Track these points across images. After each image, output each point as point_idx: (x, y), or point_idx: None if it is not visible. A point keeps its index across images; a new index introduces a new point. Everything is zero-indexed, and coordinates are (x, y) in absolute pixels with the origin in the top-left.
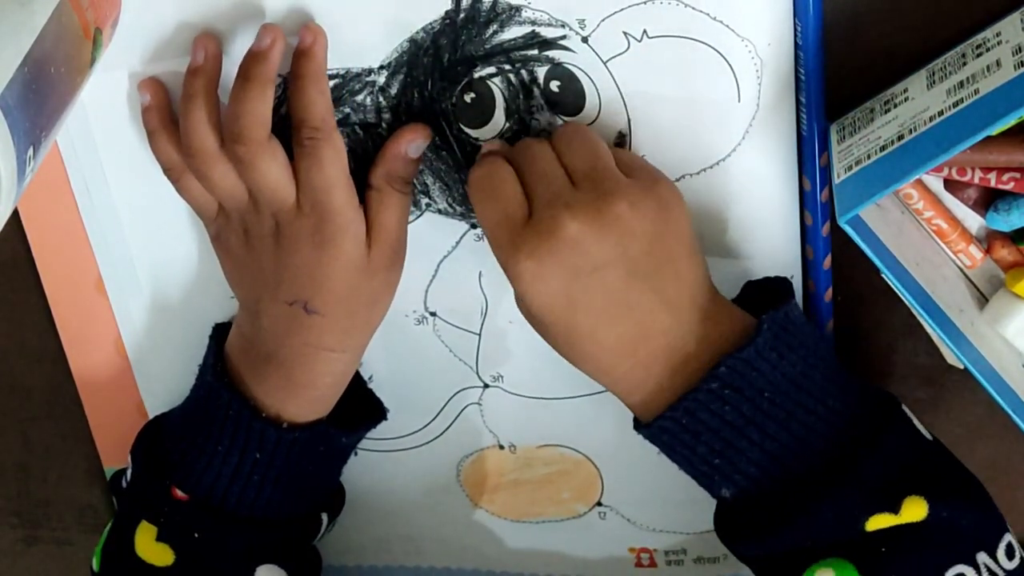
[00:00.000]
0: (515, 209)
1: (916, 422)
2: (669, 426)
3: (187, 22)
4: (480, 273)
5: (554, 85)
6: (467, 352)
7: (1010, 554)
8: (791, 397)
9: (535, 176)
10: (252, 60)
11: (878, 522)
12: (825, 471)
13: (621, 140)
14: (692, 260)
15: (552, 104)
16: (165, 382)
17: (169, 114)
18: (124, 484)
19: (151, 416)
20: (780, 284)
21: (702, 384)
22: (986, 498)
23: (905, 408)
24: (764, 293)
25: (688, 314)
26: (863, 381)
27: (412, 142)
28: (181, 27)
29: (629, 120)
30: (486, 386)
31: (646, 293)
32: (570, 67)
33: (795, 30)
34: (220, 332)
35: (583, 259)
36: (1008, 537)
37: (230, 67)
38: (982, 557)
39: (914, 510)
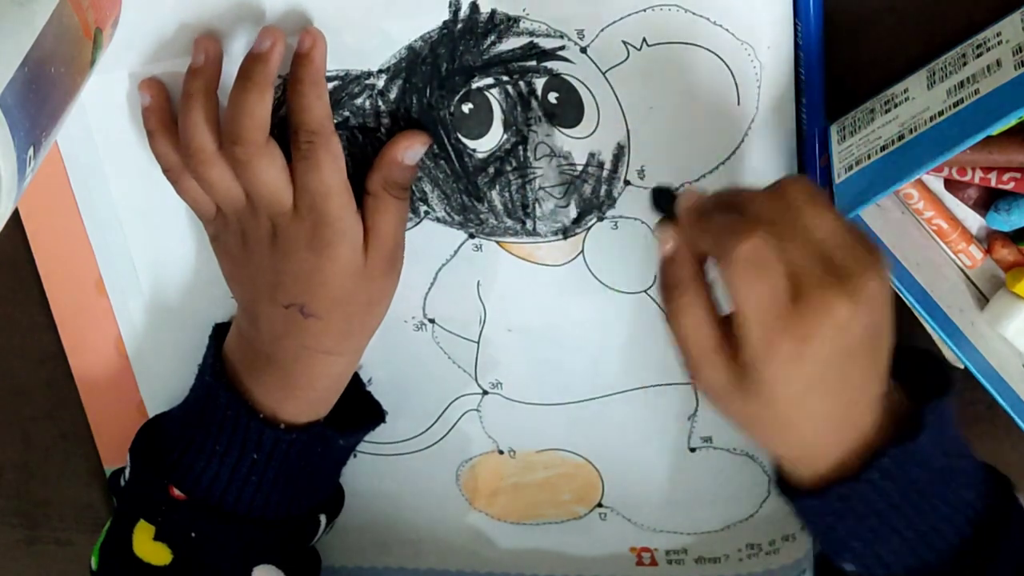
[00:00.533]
0: (783, 289)
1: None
2: (816, 506)
3: (187, 22)
4: (478, 282)
5: (552, 96)
6: (466, 359)
7: None
8: (936, 489)
9: (806, 250)
10: (252, 62)
11: None
12: (953, 563)
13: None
14: (885, 351)
15: (550, 115)
16: (165, 382)
17: (169, 115)
18: (122, 483)
19: (151, 416)
20: (937, 368)
21: (863, 473)
22: None
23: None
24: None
25: (878, 388)
26: (981, 463)
27: (409, 149)
28: (181, 27)
29: (628, 131)
30: (485, 393)
31: (865, 374)
32: (568, 78)
33: (795, 30)
34: (220, 332)
35: (846, 341)
36: None
37: (230, 68)
38: None
39: None
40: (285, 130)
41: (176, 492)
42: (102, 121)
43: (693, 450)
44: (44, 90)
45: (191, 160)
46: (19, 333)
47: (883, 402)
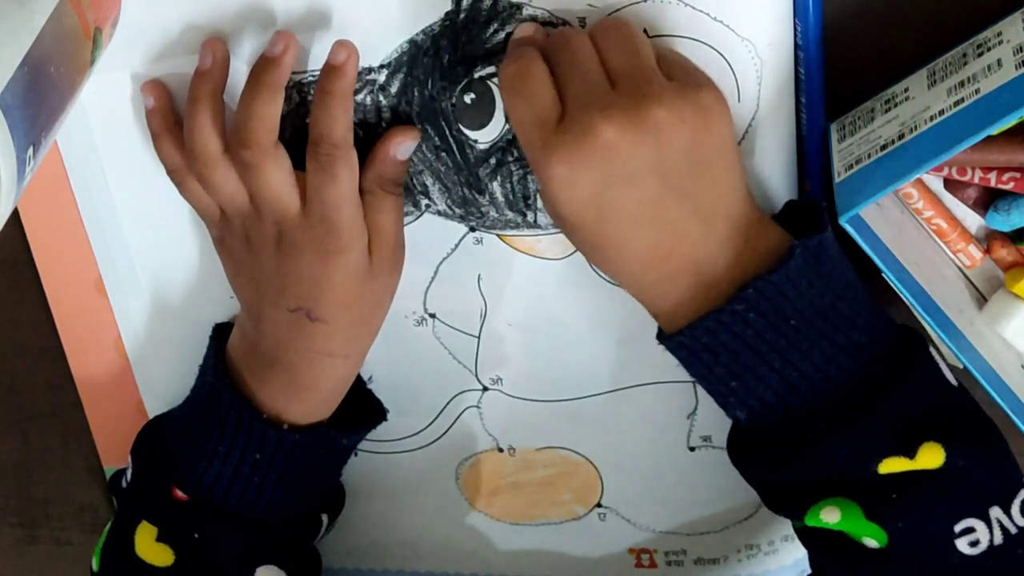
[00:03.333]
0: (548, 109)
1: (943, 366)
2: (688, 343)
3: (188, 22)
4: (479, 276)
5: None
6: (466, 355)
7: None
8: (816, 327)
9: (571, 73)
10: (264, 65)
11: (891, 465)
12: (843, 406)
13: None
14: (731, 173)
15: None
16: (165, 382)
17: (173, 116)
18: (124, 484)
19: (151, 416)
20: (815, 209)
21: (727, 305)
22: (1006, 450)
23: (933, 350)
24: (804, 216)
25: (721, 228)
26: (892, 320)
27: (400, 144)
28: (181, 27)
29: None
30: (485, 389)
31: (679, 204)
32: None
33: (795, 30)
34: (220, 332)
35: (617, 166)
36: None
37: (233, 68)
38: (995, 512)
39: (930, 457)
40: (287, 136)
41: (179, 493)
42: (102, 121)
43: (692, 449)
44: (44, 90)
45: (196, 162)
46: (19, 333)
47: (741, 239)
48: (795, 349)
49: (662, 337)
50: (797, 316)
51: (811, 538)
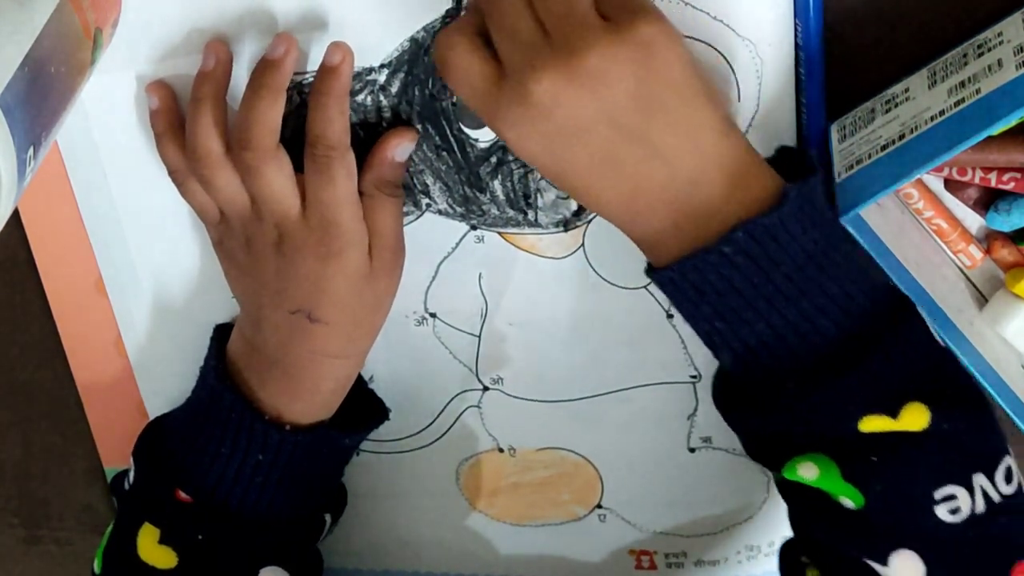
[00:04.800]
0: (481, 77)
1: (932, 327)
2: (675, 279)
3: (188, 22)
4: (480, 275)
5: None
6: (467, 354)
7: (1008, 478)
8: (806, 274)
9: (500, 34)
10: (265, 68)
11: (873, 424)
12: (828, 358)
13: None
14: (691, 106)
15: None
16: (165, 383)
17: (176, 117)
18: (126, 486)
19: (151, 417)
20: (803, 156)
21: (715, 245)
22: (991, 416)
23: (922, 311)
24: (793, 164)
25: (691, 165)
26: (886, 278)
27: (398, 146)
28: (182, 28)
29: None
30: (486, 389)
31: (634, 147)
32: None
33: (795, 30)
34: (221, 333)
35: (559, 121)
36: (1008, 460)
37: (236, 70)
38: (978, 479)
39: (914, 418)
40: (288, 136)
41: (182, 495)
42: (102, 121)
43: (692, 450)
44: (44, 90)
45: (197, 164)
46: (19, 333)
47: (721, 175)
48: (783, 295)
49: (650, 271)
50: (787, 262)
51: (789, 491)
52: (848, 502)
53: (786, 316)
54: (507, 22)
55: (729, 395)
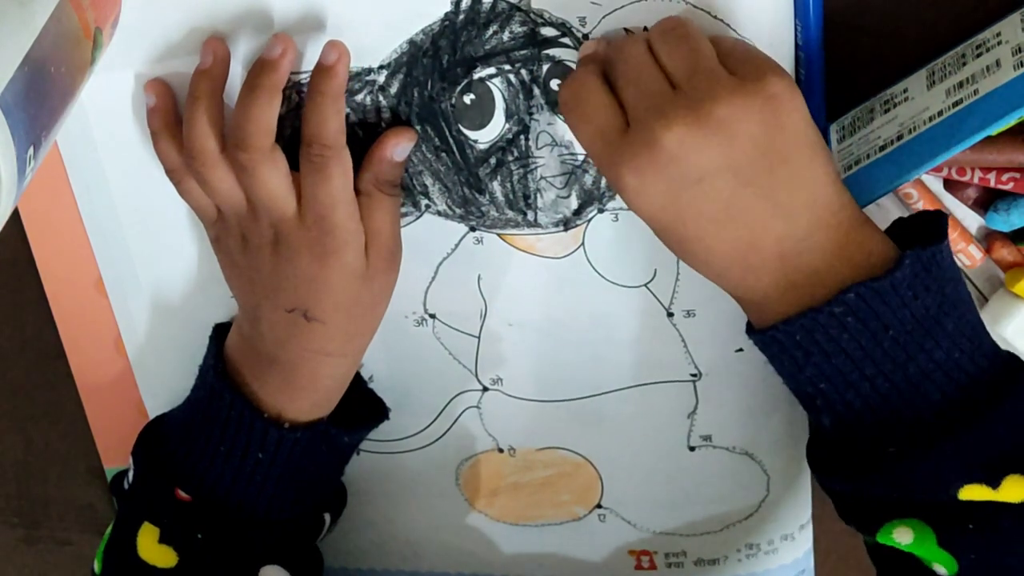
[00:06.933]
0: (609, 122)
1: None
2: (782, 338)
3: (188, 22)
4: (479, 276)
5: (554, 84)
6: (466, 355)
7: None
8: (916, 340)
9: (627, 83)
10: (261, 68)
11: (973, 493)
12: (931, 424)
13: None
14: (812, 161)
15: (553, 104)
16: (165, 382)
17: (174, 115)
18: (126, 486)
19: (151, 416)
20: (935, 221)
21: (826, 306)
22: None
23: None
24: (916, 232)
25: (806, 221)
26: (997, 345)
27: (397, 145)
28: (181, 28)
29: None
30: (485, 389)
31: (756, 199)
32: (571, 65)
33: (795, 30)
34: (220, 332)
35: (685, 170)
36: None
37: (235, 69)
38: None
39: (1015, 490)
40: (287, 135)
41: (182, 494)
42: (102, 121)
43: (692, 449)
44: (44, 90)
45: (194, 162)
46: (19, 333)
47: (832, 235)
48: (890, 359)
49: (751, 331)
50: (897, 326)
51: (880, 555)
52: (941, 569)
53: (892, 380)
54: (634, 72)
55: (825, 457)
